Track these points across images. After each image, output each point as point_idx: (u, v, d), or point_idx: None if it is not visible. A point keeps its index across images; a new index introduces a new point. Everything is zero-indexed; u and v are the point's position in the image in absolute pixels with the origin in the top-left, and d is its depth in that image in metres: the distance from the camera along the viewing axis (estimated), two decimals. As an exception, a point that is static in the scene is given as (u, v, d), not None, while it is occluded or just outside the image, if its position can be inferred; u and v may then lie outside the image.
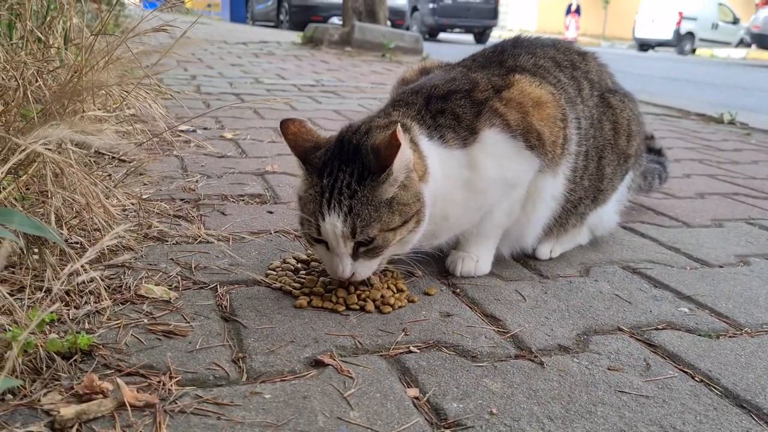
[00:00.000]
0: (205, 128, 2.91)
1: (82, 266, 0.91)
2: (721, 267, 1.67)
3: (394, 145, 1.17)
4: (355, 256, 1.25)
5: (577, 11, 23.31)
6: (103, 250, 1.38)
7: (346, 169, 1.22)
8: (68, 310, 1.16)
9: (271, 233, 1.66)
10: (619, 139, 1.64)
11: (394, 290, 1.35)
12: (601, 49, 18.69)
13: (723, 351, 1.22)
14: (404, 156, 1.20)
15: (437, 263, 1.54)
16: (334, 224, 1.20)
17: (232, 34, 10.40)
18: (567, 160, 1.50)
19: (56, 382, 0.95)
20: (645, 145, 1.84)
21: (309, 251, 1.54)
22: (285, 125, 1.29)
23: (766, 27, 13.09)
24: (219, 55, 6.53)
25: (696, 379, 1.12)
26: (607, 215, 1.72)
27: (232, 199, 1.91)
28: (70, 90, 1.25)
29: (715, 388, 1.10)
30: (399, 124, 1.20)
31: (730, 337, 1.29)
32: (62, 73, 1.69)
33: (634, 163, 1.72)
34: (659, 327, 1.30)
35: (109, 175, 1.88)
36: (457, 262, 1.50)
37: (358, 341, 1.16)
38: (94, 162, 1.95)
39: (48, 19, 1.93)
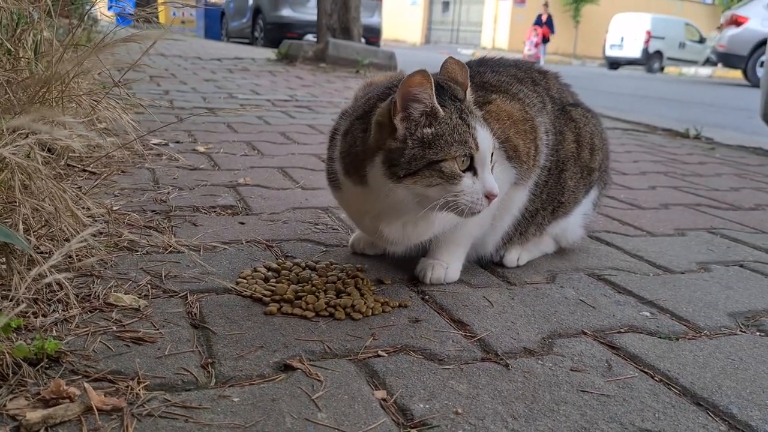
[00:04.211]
0: (178, 142, 2.91)
1: (48, 269, 0.92)
2: (682, 273, 1.72)
3: (465, 69, 1.37)
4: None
5: (549, 24, 20.20)
6: (72, 259, 1.38)
7: (446, 97, 1.34)
8: (36, 318, 1.15)
9: (242, 243, 1.67)
10: (582, 152, 1.68)
11: (372, 301, 1.35)
12: (572, 68, 19.03)
13: (682, 352, 1.26)
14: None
15: (407, 271, 1.56)
16: (486, 134, 1.32)
17: (206, 50, 10.38)
18: (536, 174, 1.55)
19: (22, 388, 0.95)
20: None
21: (279, 260, 1.55)
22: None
23: (730, 46, 13.48)
24: (193, 71, 6.52)
25: (656, 378, 1.15)
26: (571, 227, 1.75)
27: (203, 211, 1.92)
28: (39, 100, 1.25)
29: (673, 387, 1.13)
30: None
31: (689, 339, 1.33)
32: (32, 85, 1.69)
33: (598, 179, 1.76)
34: (621, 330, 1.34)
35: (80, 187, 1.88)
36: (426, 269, 1.52)
37: (327, 346, 1.18)
38: (64, 174, 1.95)
39: (18, 32, 1.94)
